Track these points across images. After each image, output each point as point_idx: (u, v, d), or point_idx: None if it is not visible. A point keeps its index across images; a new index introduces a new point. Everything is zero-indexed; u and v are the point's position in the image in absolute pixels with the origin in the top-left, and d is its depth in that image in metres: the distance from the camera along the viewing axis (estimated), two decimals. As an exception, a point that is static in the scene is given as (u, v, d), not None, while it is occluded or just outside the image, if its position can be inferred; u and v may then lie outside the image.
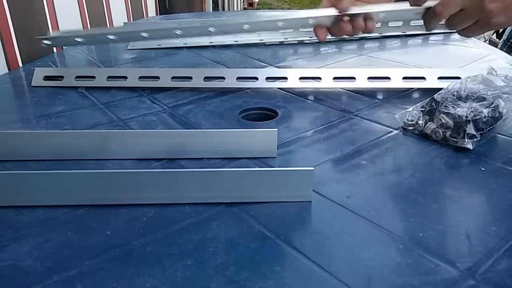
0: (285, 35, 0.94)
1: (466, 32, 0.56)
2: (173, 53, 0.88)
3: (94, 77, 0.68)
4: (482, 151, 0.46)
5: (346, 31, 0.59)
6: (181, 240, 0.34)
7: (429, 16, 0.57)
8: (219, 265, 0.31)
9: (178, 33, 0.63)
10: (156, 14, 1.66)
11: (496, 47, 1.00)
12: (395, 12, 0.60)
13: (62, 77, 0.69)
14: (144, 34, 0.63)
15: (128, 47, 0.93)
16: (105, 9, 1.21)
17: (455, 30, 0.57)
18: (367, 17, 0.59)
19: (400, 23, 0.94)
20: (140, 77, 0.67)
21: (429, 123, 0.49)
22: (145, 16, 1.53)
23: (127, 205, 0.38)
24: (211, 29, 0.61)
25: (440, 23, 0.58)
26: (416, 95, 0.63)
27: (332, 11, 0.58)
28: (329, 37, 0.62)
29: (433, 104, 0.50)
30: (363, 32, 0.61)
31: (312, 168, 0.38)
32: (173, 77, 0.67)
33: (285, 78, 0.65)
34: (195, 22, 0.68)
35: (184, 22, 0.78)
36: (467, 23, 0.54)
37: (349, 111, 0.58)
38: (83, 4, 1.09)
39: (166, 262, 0.31)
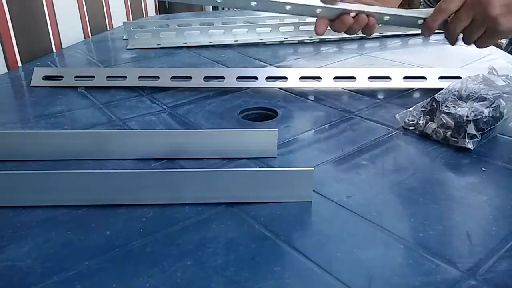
0: (285, 35, 0.94)
1: (479, 43, 0.56)
2: (173, 53, 0.88)
3: (93, 76, 0.68)
4: (483, 151, 0.46)
5: (348, 23, 0.58)
6: (181, 240, 0.34)
7: (447, 35, 0.58)
8: (219, 266, 0.31)
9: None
10: (156, 14, 1.66)
11: (498, 47, 1.00)
12: (401, 17, 0.60)
13: (62, 76, 0.69)
14: None
15: (128, 47, 0.93)
16: (104, 8, 1.21)
17: (469, 44, 0.57)
18: (370, 15, 0.59)
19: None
20: (140, 77, 0.67)
21: (429, 123, 0.49)
22: (144, 16, 1.53)
23: (127, 205, 0.38)
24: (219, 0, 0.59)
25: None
26: (416, 95, 0.63)
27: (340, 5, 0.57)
28: (329, 36, 0.62)
29: (434, 104, 0.50)
30: (364, 32, 0.61)
31: (312, 168, 0.38)
32: (172, 77, 0.66)
33: (285, 77, 0.65)
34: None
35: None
36: (477, 33, 0.55)
37: (350, 111, 0.57)
38: (83, 4, 1.09)
39: (166, 262, 0.31)
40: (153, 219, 0.36)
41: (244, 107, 0.59)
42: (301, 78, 0.65)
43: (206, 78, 0.66)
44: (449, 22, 0.56)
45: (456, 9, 0.55)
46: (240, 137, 0.46)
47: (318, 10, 0.58)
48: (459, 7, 0.55)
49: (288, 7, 0.58)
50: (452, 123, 0.47)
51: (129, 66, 0.80)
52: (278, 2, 0.58)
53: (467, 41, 0.57)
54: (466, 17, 0.54)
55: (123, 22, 1.10)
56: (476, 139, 0.46)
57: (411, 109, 0.52)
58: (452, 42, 0.59)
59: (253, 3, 0.59)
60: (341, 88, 0.65)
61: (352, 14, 0.58)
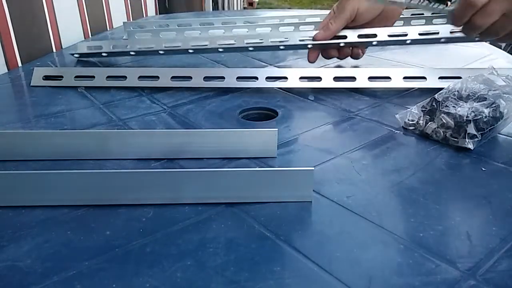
0: (285, 35, 0.94)
1: (504, 39, 0.55)
2: (173, 53, 0.88)
3: (93, 76, 0.68)
4: (483, 151, 0.46)
5: (333, 56, 0.71)
6: (181, 240, 0.34)
7: (468, 29, 0.56)
8: (219, 266, 0.31)
9: (191, 52, 0.72)
10: (156, 14, 1.66)
11: (498, 47, 1.00)
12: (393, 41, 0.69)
13: (62, 76, 0.69)
14: (161, 52, 0.74)
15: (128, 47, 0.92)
16: (104, 8, 1.21)
17: (493, 39, 0.56)
18: (354, 46, 0.70)
19: (401, 23, 0.94)
20: (140, 77, 0.67)
21: (429, 123, 0.49)
22: (144, 16, 1.53)
23: (127, 205, 0.38)
24: (220, 49, 0.72)
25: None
26: (416, 95, 0.63)
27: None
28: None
29: (434, 104, 0.50)
30: (352, 58, 0.72)
31: (313, 168, 0.38)
32: (172, 77, 0.66)
33: (285, 77, 0.65)
34: (203, 38, 0.76)
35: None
36: (507, 29, 0.53)
37: (350, 111, 0.57)
38: (83, 3, 1.09)
39: (166, 262, 0.31)
40: (153, 219, 0.36)
41: (244, 107, 0.59)
42: (301, 78, 0.65)
43: (206, 78, 0.66)
44: (475, 17, 0.53)
45: (485, 3, 0.52)
46: (240, 137, 0.46)
47: (309, 46, 0.69)
48: (488, 1, 0.52)
49: (281, 47, 0.71)
50: (452, 123, 0.47)
51: (129, 66, 0.80)
52: (273, 45, 0.71)
53: (492, 36, 0.55)
54: (496, 12, 0.52)
55: (123, 22, 1.10)
56: (476, 139, 0.46)
57: (411, 109, 0.52)
58: (473, 36, 0.56)
59: (251, 48, 0.71)
60: (341, 88, 0.65)
61: (341, 44, 0.69)
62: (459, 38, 0.68)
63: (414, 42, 0.69)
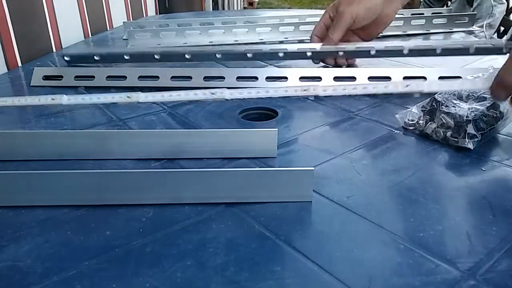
0: (285, 35, 0.94)
1: None
2: (173, 53, 0.88)
3: (93, 76, 0.68)
4: (483, 151, 0.46)
5: (329, 63, 0.73)
6: (181, 240, 0.34)
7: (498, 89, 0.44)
8: (219, 266, 0.31)
9: (188, 57, 0.73)
10: (156, 14, 1.66)
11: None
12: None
13: (62, 76, 0.69)
14: (157, 56, 0.72)
15: (128, 47, 0.93)
16: (104, 8, 1.21)
17: None
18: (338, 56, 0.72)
19: (401, 23, 0.94)
20: (140, 77, 0.67)
21: (429, 123, 0.49)
22: (144, 16, 1.53)
23: (127, 205, 0.38)
24: (218, 55, 0.72)
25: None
26: (416, 94, 0.62)
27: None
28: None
29: (434, 103, 0.50)
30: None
31: (313, 168, 0.38)
32: (172, 77, 0.66)
33: (285, 78, 0.65)
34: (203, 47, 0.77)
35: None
36: None
37: (350, 111, 0.57)
38: (83, 3, 1.09)
39: (166, 262, 0.31)
40: (153, 219, 0.36)
41: (244, 107, 0.59)
42: (301, 78, 0.65)
43: (206, 78, 0.66)
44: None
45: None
46: (240, 137, 0.46)
47: (308, 54, 0.71)
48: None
49: (281, 54, 0.72)
50: (452, 123, 0.47)
51: (129, 66, 0.80)
52: (273, 52, 0.72)
53: None
54: None
55: (123, 22, 1.10)
56: (476, 139, 0.46)
57: (411, 109, 0.52)
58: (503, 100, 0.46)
59: (249, 55, 0.72)
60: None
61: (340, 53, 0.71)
62: (456, 50, 0.70)
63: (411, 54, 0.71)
